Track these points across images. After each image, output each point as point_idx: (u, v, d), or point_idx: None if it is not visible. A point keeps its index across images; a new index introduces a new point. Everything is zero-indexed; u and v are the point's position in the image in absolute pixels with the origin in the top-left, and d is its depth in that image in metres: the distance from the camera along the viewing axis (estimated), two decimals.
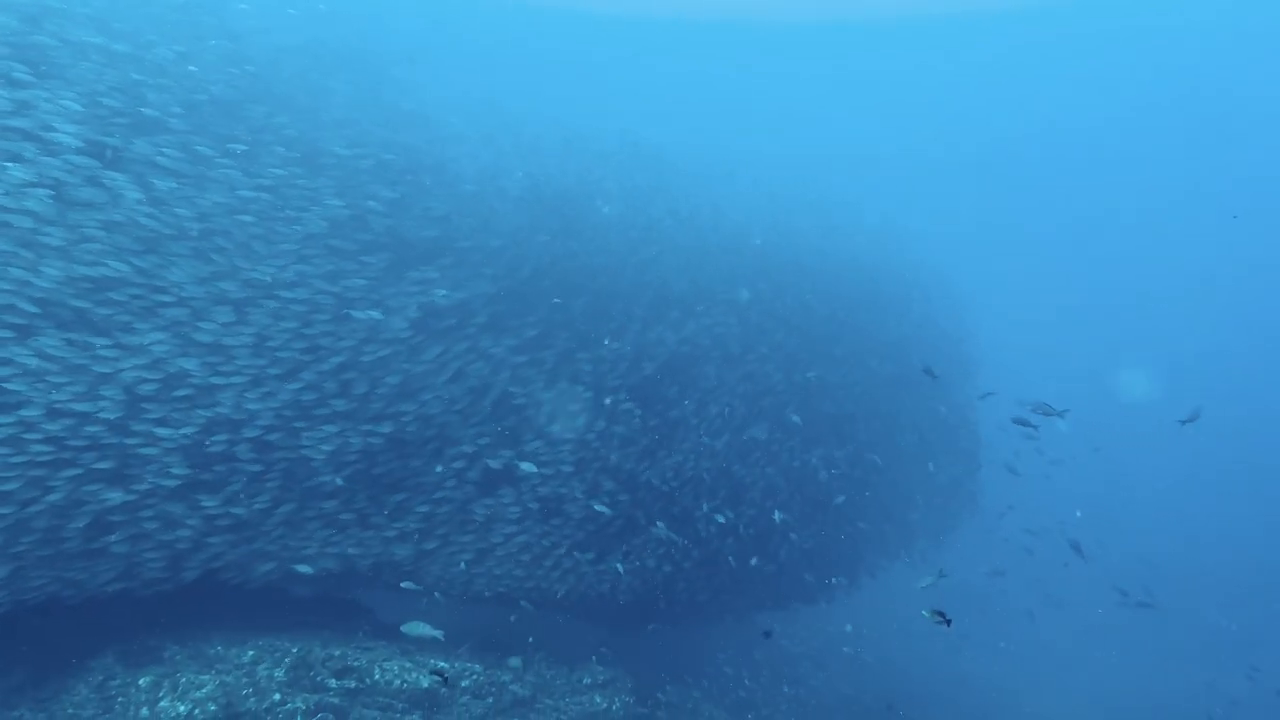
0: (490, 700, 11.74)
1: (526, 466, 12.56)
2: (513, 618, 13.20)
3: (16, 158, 9.21)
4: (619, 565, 13.28)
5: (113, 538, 9.69)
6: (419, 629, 10.66)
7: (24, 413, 9.03)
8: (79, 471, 9.36)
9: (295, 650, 10.78)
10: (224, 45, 12.03)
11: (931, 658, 23.98)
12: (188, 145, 10.60)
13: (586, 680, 12.92)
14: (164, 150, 10.29)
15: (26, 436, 9.04)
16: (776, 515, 14.71)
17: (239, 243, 10.76)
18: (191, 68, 11.32)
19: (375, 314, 11.63)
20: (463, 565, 12.41)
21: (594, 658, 13.40)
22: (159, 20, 11.64)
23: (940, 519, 20.32)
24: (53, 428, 9.19)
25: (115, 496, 9.63)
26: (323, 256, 11.56)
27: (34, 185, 9.20)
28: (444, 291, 12.53)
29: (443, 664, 11.76)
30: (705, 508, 14.04)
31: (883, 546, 18.45)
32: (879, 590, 20.17)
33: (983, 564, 24.04)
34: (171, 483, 10.02)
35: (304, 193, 11.61)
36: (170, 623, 10.60)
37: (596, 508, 12.86)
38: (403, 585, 11.76)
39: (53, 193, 9.34)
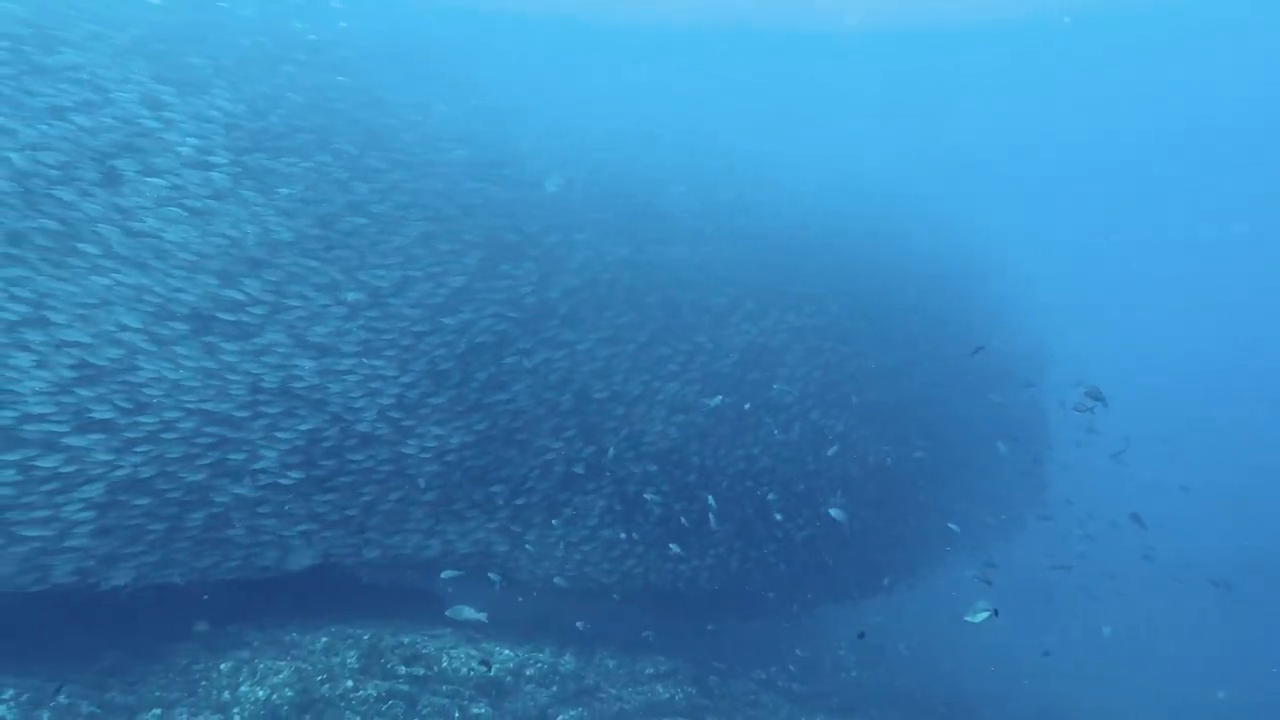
0: (554, 689, 11.89)
1: (612, 457, 12.77)
2: (578, 622, 13.35)
3: (155, 171, 9.72)
4: (696, 560, 13.36)
5: (234, 530, 10.28)
6: (464, 613, 10.99)
7: (166, 414, 9.71)
8: (211, 461, 10.02)
9: (366, 637, 11.05)
10: (329, 56, 12.38)
11: (989, 652, 23.56)
12: (307, 153, 11.00)
13: (649, 670, 12.99)
14: (283, 159, 10.75)
15: (165, 436, 9.71)
16: (833, 512, 14.59)
17: (356, 248, 11.18)
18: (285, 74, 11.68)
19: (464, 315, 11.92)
20: (560, 551, 12.67)
21: (648, 641, 13.49)
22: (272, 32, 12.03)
23: (1007, 511, 19.91)
24: (188, 425, 9.85)
25: (243, 490, 10.25)
26: (427, 257, 11.95)
27: (170, 200, 9.76)
28: (530, 287, 12.76)
29: (507, 651, 11.96)
30: (772, 497, 13.99)
31: (947, 539, 18.13)
32: (938, 583, 19.87)
33: (1046, 556, 23.49)
34: (288, 481, 10.58)
35: (409, 195, 11.94)
36: (249, 609, 10.95)
37: (648, 496, 12.97)
38: (443, 575, 11.96)
39: (184, 208, 9.91)
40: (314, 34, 12.39)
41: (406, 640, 11.22)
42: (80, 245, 9.45)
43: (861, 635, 12.28)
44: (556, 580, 12.63)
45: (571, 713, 11.54)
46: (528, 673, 11.86)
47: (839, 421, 15.19)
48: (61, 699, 9.18)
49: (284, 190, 10.76)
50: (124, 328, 9.61)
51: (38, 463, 9.12)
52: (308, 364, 10.58)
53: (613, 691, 12.35)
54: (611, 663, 12.91)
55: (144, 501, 9.72)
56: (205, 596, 10.56)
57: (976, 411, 18.07)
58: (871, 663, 19.18)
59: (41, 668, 9.62)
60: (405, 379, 11.45)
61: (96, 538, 9.53)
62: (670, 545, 13.18)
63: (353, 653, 10.73)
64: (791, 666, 16.06)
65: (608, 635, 13.36)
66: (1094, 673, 25.57)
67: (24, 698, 9.10)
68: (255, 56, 11.40)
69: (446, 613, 11.28)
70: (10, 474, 9.00)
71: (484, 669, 11.26)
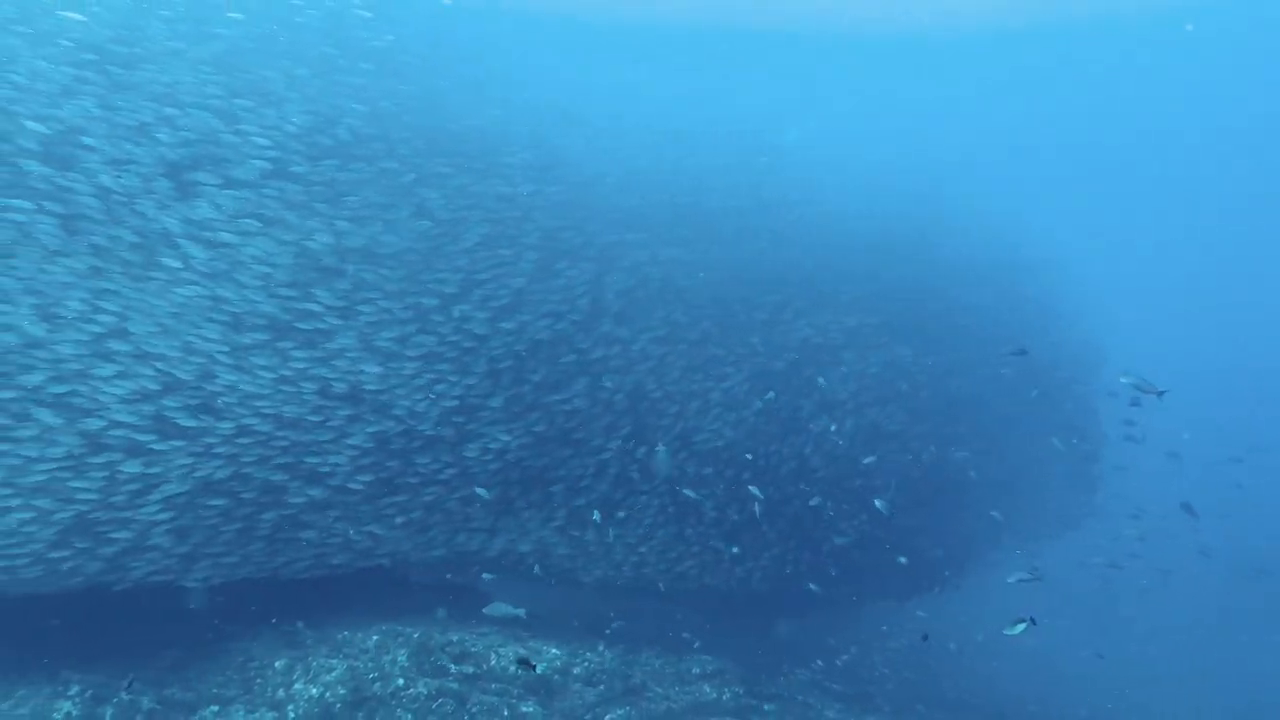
0: (601, 687, 11.88)
1: (661, 455, 12.80)
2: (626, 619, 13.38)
3: (233, 183, 10.12)
4: (752, 560, 13.35)
5: (308, 533, 10.63)
6: (501, 609, 11.11)
7: (241, 420, 10.02)
8: (284, 464, 10.33)
9: (416, 636, 11.14)
10: (391, 63, 12.61)
11: (1040, 653, 23.08)
12: (374, 160, 11.30)
13: (695, 670, 12.92)
14: (350, 167, 11.06)
15: (240, 440, 10.00)
16: (877, 503, 14.42)
17: (421, 253, 11.41)
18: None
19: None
20: (618, 553, 12.79)
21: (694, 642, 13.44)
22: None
23: (1059, 509, 19.54)
24: (263, 430, 10.16)
25: (315, 493, 10.60)
26: (490, 260, 12.13)
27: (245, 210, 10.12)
28: (584, 288, 12.92)
29: (554, 650, 11.98)
30: (815, 503, 13.90)
31: (996, 537, 17.85)
32: (989, 582, 19.52)
33: (1098, 555, 22.97)
34: (358, 485, 10.88)
35: (471, 199, 12.13)
36: (302, 608, 11.11)
37: (688, 493, 13.00)
38: (484, 576, 12.04)
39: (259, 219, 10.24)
40: (379, 40, 12.56)
41: (455, 638, 11.29)
42: (160, 258, 9.70)
43: (925, 638, 12.01)
44: (612, 578, 12.69)
45: (619, 711, 11.52)
46: (575, 671, 11.86)
47: (894, 420, 15.03)
48: (124, 695, 9.39)
49: (353, 198, 10.95)
50: (202, 337, 9.89)
51: (121, 468, 9.41)
52: (373, 369, 10.72)
53: (659, 690, 12.30)
54: (657, 662, 12.86)
55: (220, 503, 10.03)
56: (269, 601, 10.76)
57: (1028, 409, 17.72)
58: (920, 663, 18.90)
59: (104, 664, 9.86)
60: (468, 380, 11.60)
61: (174, 538, 9.83)
62: (730, 547, 13.17)
63: (403, 651, 10.83)
64: (839, 665, 15.87)
65: (652, 634, 13.32)
66: (1150, 674, 24.93)
67: (88, 694, 9.33)
68: (325, 67, 11.58)
69: (484, 610, 11.39)
70: (97, 479, 9.27)
71: (526, 669, 11.29)
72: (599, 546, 12.70)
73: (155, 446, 9.57)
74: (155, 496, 9.61)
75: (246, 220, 10.14)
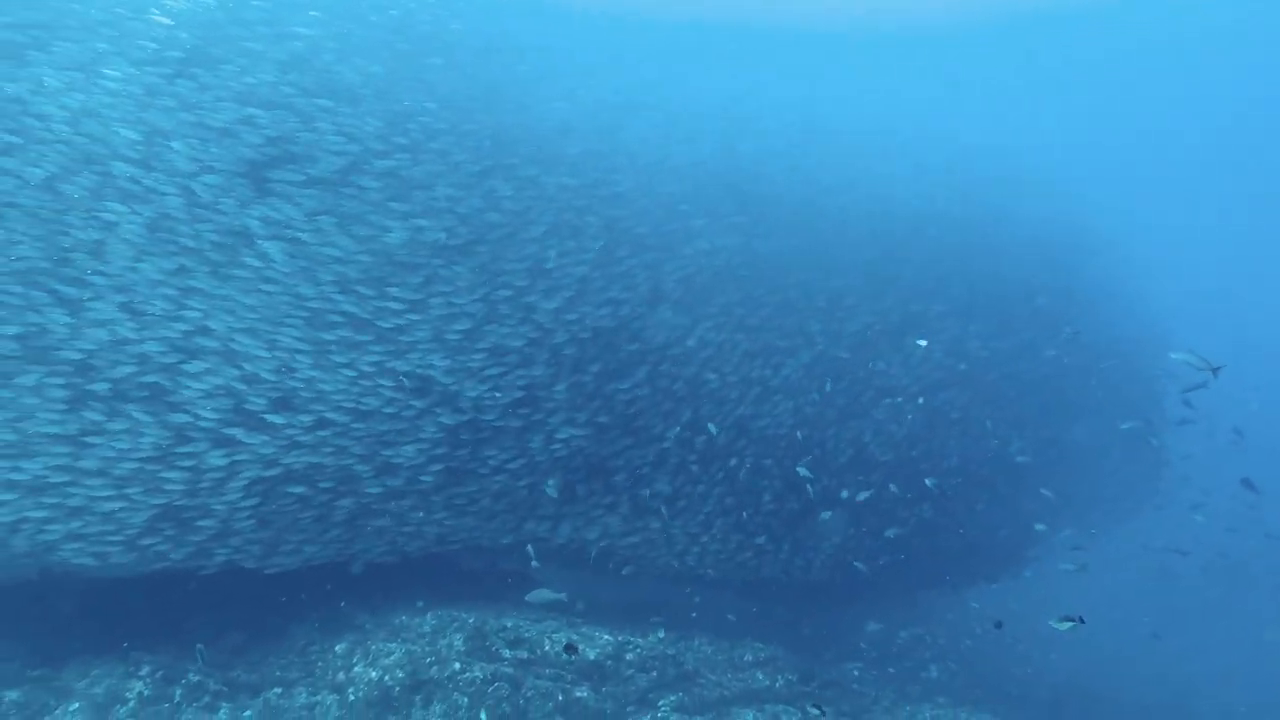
0: (654, 673, 11.89)
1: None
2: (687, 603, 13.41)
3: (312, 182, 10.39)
4: (812, 548, 13.31)
5: (381, 520, 10.95)
6: (542, 595, 11.23)
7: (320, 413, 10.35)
8: (360, 454, 10.59)
9: (471, 621, 11.27)
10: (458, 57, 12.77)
11: (1099, 642, 22.53)
12: (446, 155, 11.51)
13: (747, 657, 12.87)
14: (422, 161, 11.26)
15: (319, 432, 10.33)
16: (928, 482, 14.18)
17: (493, 243, 11.57)
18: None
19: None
20: (679, 543, 12.86)
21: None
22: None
23: (1123, 494, 19.00)
24: (340, 419, 10.44)
25: (395, 482, 10.90)
26: (554, 249, 12.22)
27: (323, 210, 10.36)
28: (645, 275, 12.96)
29: (606, 635, 12.03)
30: (867, 492, 13.73)
31: (1059, 522, 17.42)
32: (1047, 570, 19.08)
33: (1163, 540, 22.30)
34: (429, 478, 11.12)
35: (539, 189, 12.27)
36: (361, 593, 11.31)
37: (801, 471, 13.04)
38: (533, 565, 12.10)
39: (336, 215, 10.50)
40: (445, 35, 12.68)
41: (509, 624, 11.40)
42: (242, 256, 9.93)
43: (999, 625, 11.67)
44: (673, 568, 12.74)
45: (672, 697, 11.53)
46: (627, 657, 11.89)
47: (954, 406, 14.76)
48: (192, 676, 9.68)
49: (427, 193, 11.11)
50: (283, 334, 10.14)
51: (207, 459, 9.71)
52: (440, 362, 10.85)
53: (712, 678, 12.28)
54: (709, 648, 12.83)
55: (299, 490, 10.31)
56: (329, 586, 10.98)
57: (1091, 392, 17.23)
58: (977, 651, 18.59)
59: (172, 646, 10.17)
60: (534, 371, 11.71)
61: (256, 525, 10.16)
62: (787, 536, 13.12)
63: (459, 635, 10.96)
64: (894, 653, 15.69)
65: (703, 621, 13.28)
66: (1219, 664, 24.21)
67: (159, 674, 9.64)
68: (399, 64, 11.72)
69: (526, 598, 11.56)
70: (184, 469, 9.58)
71: (568, 655, 11.32)
72: (661, 535, 12.74)
73: (240, 438, 9.85)
74: (238, 485, 9.92)
75: (324, 217, 10.31)
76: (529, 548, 12.19)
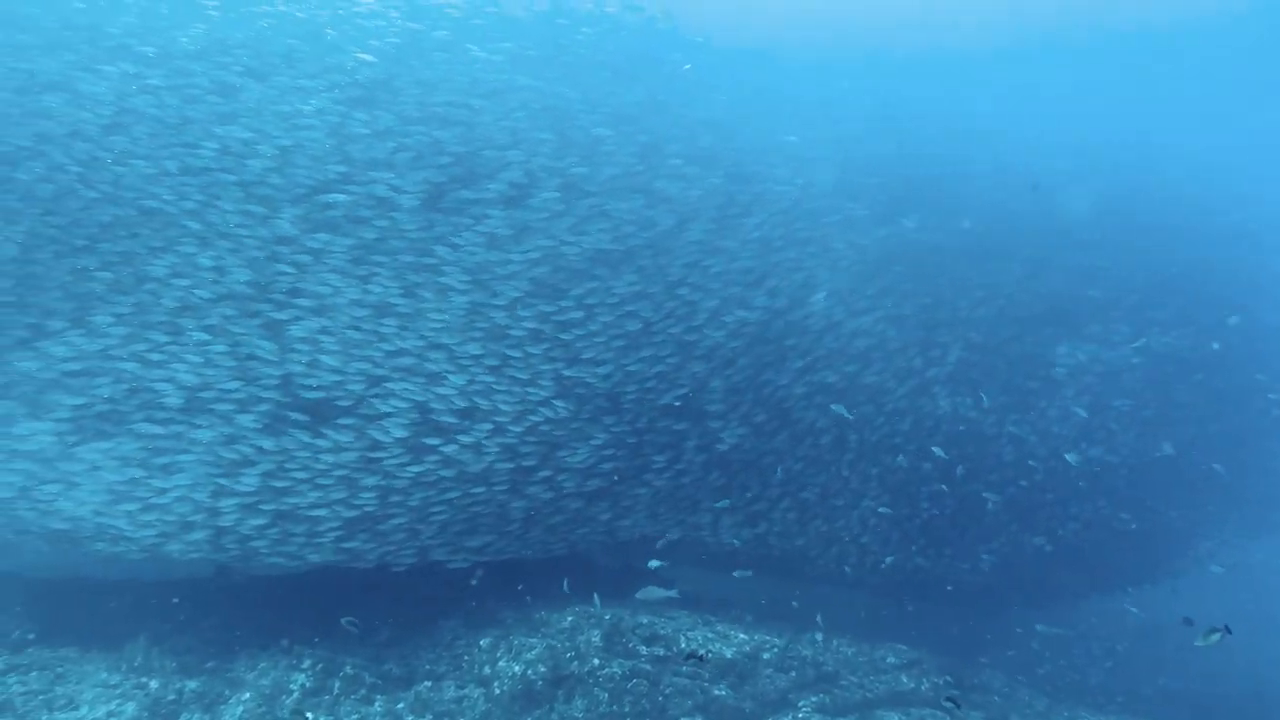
0: (793, 674, 11.62)
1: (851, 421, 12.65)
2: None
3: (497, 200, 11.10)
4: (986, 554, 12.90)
5: (557, 518, 11.57)
6: (653, 593, 11.40)
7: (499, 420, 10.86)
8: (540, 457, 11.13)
9: (608, 617, 11.33)
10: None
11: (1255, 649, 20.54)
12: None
13: (890, 659, 12.40)
14: (601, 173, 11.80)
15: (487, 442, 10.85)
16: (1069, 456, 13.37)
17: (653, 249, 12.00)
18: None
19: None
20: (839, 545, 12.84)
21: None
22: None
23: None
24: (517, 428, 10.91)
25: (568, 483, 11.42)
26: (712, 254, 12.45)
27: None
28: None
29: (741, 635, 11.85)
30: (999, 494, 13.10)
31: (1219, 526, 16.04)
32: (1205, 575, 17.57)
33: None
34: (595, 484, 11.63)
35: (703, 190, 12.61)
36: (502, 588, 11.58)
37: (935, 449, 12.79)
38: (651, 565, 12.02)
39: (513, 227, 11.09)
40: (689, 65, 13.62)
41: (645, 620, 11.39)
42: (431, 275, 10.57)
43: (1189, 622, 10.69)
44: (845, 570, 12.69)
45: (813, 699, 11.23)
46: (764, 657, 11.67)
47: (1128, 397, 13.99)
48: (349, 669, 10.12)
49: (593, 201, 11.56)
50: (466, 350, 10.69)
51: (405, 468, 10.35)
52: (601, 369, 11.20)
53: (854, 679, 11.89)
54: (849, 650, 12.43)
55: (480, 491, 10.82)
56: (473, 582, 11.29)
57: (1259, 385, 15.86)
58: (1131, 655, 17.30)
59: (329, 641, 10.67)
60: (694, 368, 11.94)
61: (442, 526, 10.78)
62: (949, 536, 12.78)
63: (596, 632, 11.03)
64: (1045, 656, 14.78)
65: (841, 621, 12.89)
66: None
67: (319, 667, 10.13)
68: (604, 84, 12.55)
69: (637, 595, 11.60)
70: (378, 476, 10.22)
71: (697, 662, 11.12)
72: (822, 536, 12.63)
73: (431, 443, 10.41)
74: (433, 494, 10.52)
75: (504, 233, 10.84)
76: (658, 545, 12.20)
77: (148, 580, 11.31)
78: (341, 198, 10.14)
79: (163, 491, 9.46)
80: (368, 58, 10.89)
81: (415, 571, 10.81)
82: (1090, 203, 15.08)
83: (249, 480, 9.60)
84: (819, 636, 12.22)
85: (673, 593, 11.45)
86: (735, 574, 12.02)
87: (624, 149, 11.97)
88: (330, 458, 9.85)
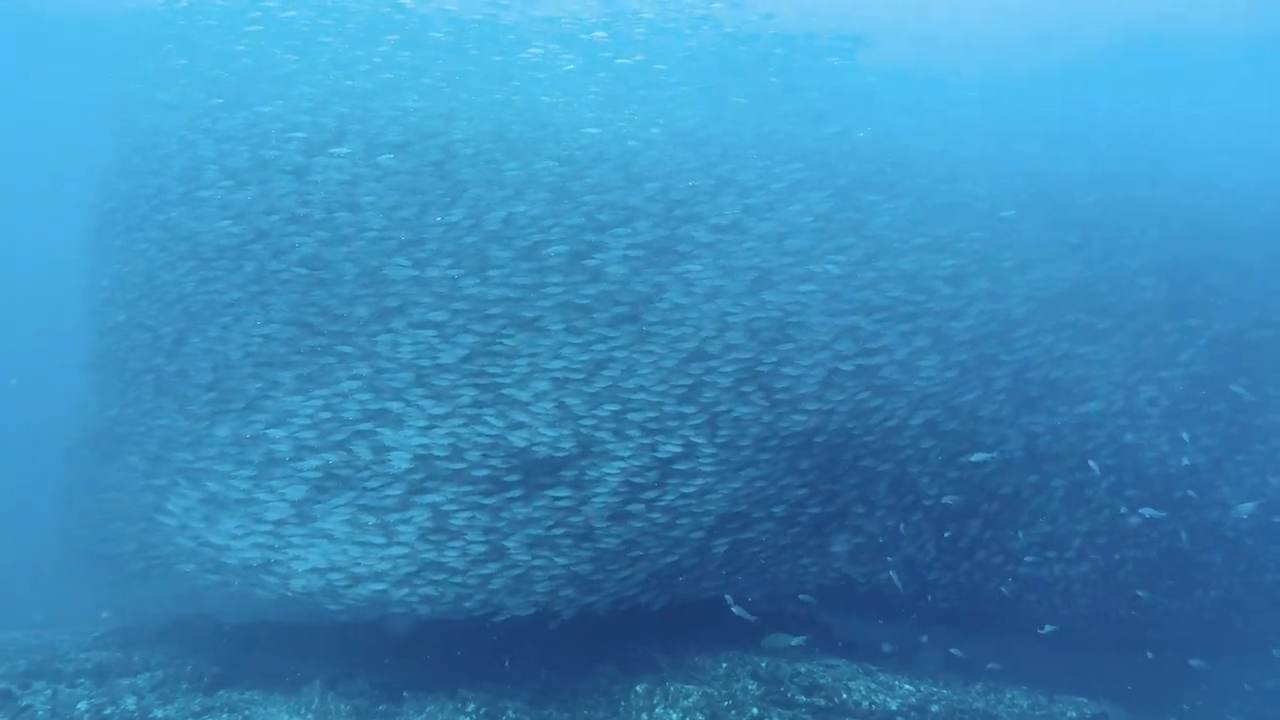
0: None
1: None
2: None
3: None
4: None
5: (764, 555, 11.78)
6: (779, 640, 11.10)
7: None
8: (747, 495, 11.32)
9: (764, 665, 11.02)
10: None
11: None
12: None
13: (1071, 714, 11.40)
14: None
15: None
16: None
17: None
18: None
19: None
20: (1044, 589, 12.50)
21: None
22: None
23: None
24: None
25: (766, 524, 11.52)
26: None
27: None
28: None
29: (907, 686, 11.23)
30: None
31: None
32: None
33: None
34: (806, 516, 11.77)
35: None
36: (654, 633, 11.50)
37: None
38: (734, 610, 11.57)
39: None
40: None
41: (803, 669, 11.00)
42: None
43: None
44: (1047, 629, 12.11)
45: None
46: (933, 709, 10.99)
47: None
48: (510, 714, 10.25)
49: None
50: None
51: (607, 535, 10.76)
52: (810, 406, 11.36)
53: None
54: (1024, 702, 11.54)
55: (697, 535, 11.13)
56: (626, 626, 11.27)
57: None
58: None
59: (490, 685, 10.87)
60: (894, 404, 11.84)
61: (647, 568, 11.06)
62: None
63: (753, 681, 10.74)
64: (1249, 707, 13.22)
65: (1014, 671, 12.02)
66: None
67: (482, 710, 10.31)
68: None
69: (762, 643, 11.24)
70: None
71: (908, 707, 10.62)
72: (1041, 583, 12.13)
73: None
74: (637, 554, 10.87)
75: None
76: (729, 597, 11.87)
77: (317, 624, 11.89)
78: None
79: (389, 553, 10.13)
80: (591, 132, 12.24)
81: (571, 615, 10.87)
82: None
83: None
84: (966, 687, 11.42)
85: (800, 640, 11.08)
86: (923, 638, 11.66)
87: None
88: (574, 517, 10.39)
